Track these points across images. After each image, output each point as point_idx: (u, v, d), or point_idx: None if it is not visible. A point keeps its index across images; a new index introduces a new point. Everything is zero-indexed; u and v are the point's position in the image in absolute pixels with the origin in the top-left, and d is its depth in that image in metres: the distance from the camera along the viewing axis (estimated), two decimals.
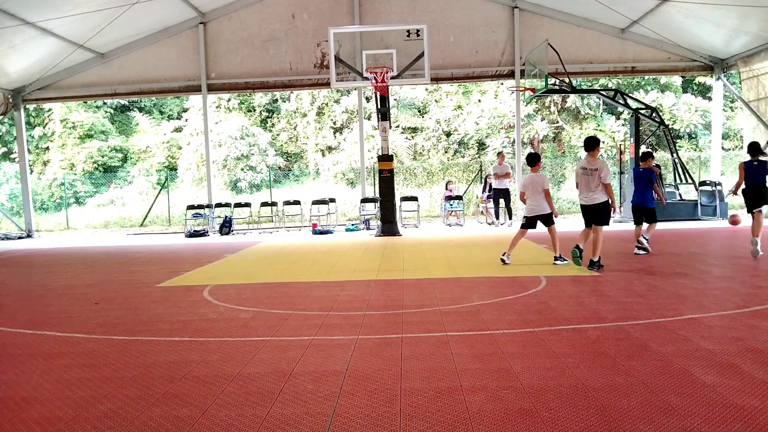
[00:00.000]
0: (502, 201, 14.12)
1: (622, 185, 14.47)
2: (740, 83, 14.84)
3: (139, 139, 25.99)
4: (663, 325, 4.22)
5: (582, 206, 7.15)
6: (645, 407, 2.72)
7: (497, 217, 14.20)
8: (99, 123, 25.23)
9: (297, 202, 15.96)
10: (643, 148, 14.00)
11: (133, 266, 8.91)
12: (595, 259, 6.83)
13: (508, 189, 14.12)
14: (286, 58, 15.30)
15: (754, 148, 7.64)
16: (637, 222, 8.32)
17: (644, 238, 8.09)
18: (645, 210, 8.20)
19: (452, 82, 18.75)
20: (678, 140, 20.72)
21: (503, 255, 7.55)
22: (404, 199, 15.61)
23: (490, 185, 15.14)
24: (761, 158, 7.52)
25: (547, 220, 7.47)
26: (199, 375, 3.41)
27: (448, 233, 12.88)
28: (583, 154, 20.82)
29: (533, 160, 7.63)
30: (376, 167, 13.56)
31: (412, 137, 24.15)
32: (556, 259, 7.35)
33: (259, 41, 15.30)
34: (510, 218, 14.25)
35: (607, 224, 7.01)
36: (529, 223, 7.59)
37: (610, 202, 6.93)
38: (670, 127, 17.38)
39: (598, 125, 22.25)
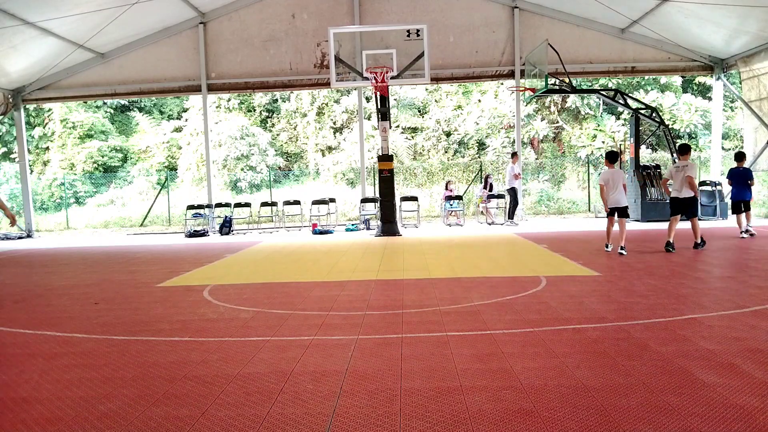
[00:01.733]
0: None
1: None
2: (740, 83, 14.83)
3: (139, 139, 25.98)
4: (663, 325, 4.22)
5: (672, 198, 8.49)
6: (645, 407, 2.72)
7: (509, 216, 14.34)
8: (99, 123, 25.22)
9: (297, 202, 15.95)
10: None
11: (133, 266, 8.91)
12: (698, 241, 8.36)
13: (516, 188, 14.25)
14: (286, 58, 15.31)
15: None
16: (736, 212, 9.73)
17: (748, 227, 9.71)
18: (744, 203, 9.67)
19: (452, 82, 18.72)
20: (678, 140, 20.68)
21: (606, 246, 8.48)
22: (404, 199, 15.61)
23: (491, 185, 15.20)
24: None
25: (624, 212, 8.40)
26: (199, 375, 3.41)
27: (448, 233, 12.87)
28: (582, 155, 21.08)
29: (614, 157, 8.50)
30: (376, 167, 13.56)
31: (412, 137, 24.14)
32: (621, 248, 8.15)
33: (259, 41, 15.31)
34: (511, 218, 14.26)
35: (696, 215, 8.47)
36: (612, 212, 8.44)
37: (694, 194, 8.31)
38: (670, 127, 17.37)
39: (598, 125, 22.23)
